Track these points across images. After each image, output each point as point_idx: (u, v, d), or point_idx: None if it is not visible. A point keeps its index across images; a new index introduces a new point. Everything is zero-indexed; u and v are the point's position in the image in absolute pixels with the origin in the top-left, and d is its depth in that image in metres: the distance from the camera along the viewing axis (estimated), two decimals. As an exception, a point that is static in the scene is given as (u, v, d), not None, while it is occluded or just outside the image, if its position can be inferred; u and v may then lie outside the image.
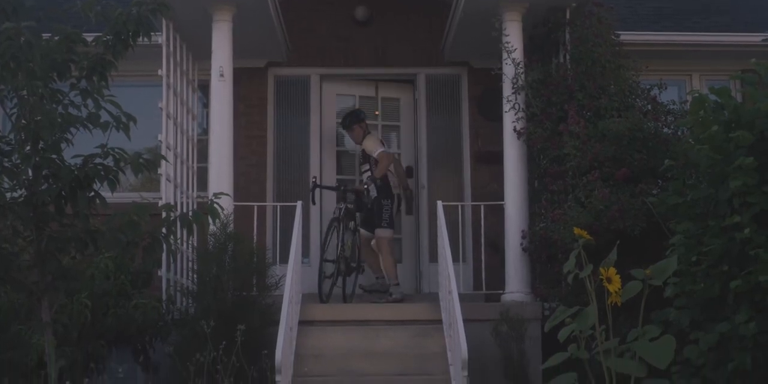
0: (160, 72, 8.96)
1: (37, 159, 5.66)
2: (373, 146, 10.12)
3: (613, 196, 8.11)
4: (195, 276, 8.46)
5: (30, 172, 5.72)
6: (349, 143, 11.23)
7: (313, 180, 10.05)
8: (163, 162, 8.46)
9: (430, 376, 7.65)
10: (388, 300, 9.63)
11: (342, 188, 10.01)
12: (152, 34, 6.12)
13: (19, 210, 5.69)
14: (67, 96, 5.79)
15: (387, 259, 9.90)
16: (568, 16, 9.38)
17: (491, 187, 10.33)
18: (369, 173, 10.06)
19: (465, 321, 7.22)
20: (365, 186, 9.88)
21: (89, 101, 5.76)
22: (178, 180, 9.20)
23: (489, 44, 9.56)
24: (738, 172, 6.01)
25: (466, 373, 6.88)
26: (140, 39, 6.00)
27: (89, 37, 5.91)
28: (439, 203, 9.03)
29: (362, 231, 10.05)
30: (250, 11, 9.33)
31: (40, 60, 5.64)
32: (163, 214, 6.06)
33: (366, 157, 10.24)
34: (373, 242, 10.07)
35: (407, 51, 11.28)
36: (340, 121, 10.72)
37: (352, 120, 10.39)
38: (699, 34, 11.08)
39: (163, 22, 8.99)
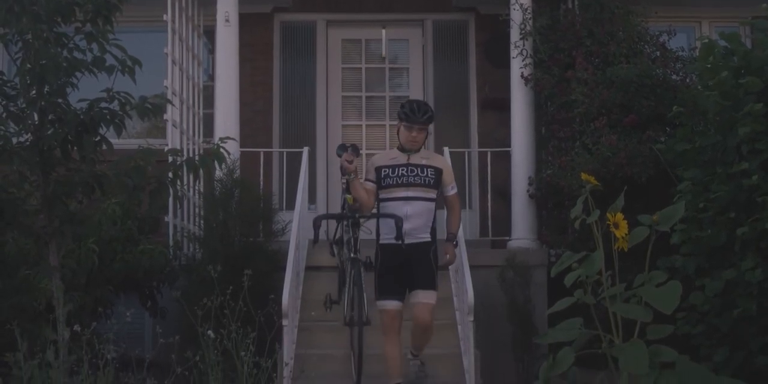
0: (165, 17, 8.89)
1: (42, 103, 5.64)
2: (449, 172, 6.75)
3: (620, 142, 8.08)
4: (201, 222, 8.47)
5: (36, 117, 5.72)
6: (354, 88, 11.17)
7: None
8: (169, 107, 8.45)
9: (436, 321, 7.60)
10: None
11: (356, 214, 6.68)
12: (157, -23, 6.08)
13: (25, 154, 5.69)
14: (72, 40, 5.76)
15: (432, 332, 6.80)
16: (577, -41, 9.28)
17: (498, 134, 10.29)
18: (422, 206, 6.51)
19: (471, 267, 7.25)
20: (454, 243, 6.73)
21: (94, 45, 5.73)
22: (184, 126, 9.17)
23: (497, -11, 9.48)
24: (747, 119, 5.98)
25: (471, 319, 6.93)
26: (145, -18, 5.97)
27: (94, -21, 5.87)
28: (446, 149, 8.99)
29: (422, 299, 6.66)
30: (256, -45, 9.24)
31: (44, 3, 5.59)
32: (170, 159, 6.04)
33: (421, 176, 6.54)
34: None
35: (415, -4, 11.16)
36: (406, 109, 6.54)
37: (432, 116, 6.60)
38: (709, -21, 10.94)
39: (168, -35, 8.92)
